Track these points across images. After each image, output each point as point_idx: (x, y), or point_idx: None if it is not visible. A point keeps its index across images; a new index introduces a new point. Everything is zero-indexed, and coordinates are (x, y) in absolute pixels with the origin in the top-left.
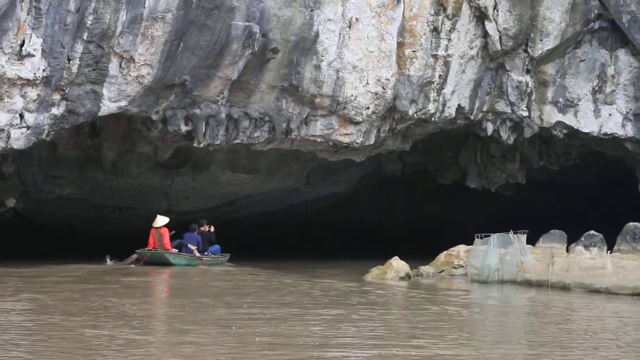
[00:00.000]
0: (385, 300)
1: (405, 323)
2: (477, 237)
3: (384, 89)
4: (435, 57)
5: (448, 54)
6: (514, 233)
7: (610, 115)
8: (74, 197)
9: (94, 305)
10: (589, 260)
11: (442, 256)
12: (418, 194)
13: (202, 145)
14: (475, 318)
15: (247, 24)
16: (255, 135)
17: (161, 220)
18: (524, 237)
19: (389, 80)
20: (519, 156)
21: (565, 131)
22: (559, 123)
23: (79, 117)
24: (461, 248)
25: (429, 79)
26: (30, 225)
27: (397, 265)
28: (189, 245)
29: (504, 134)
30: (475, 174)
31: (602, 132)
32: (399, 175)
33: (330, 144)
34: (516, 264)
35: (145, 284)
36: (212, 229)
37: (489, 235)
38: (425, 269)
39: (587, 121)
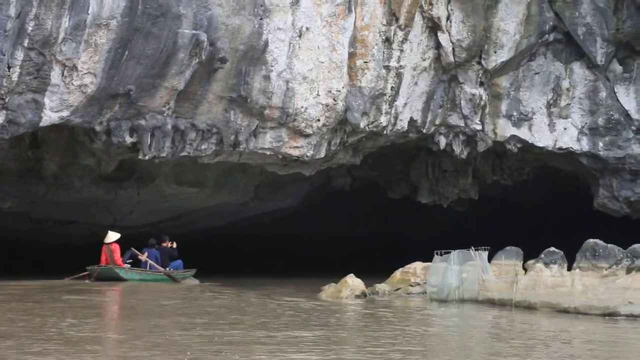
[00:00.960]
0: (342, 320)
1: (367, 344)
2: (437, 253)
3: (335, 100)
4: (387, 68)
5: (400, 65)
6: (474, 250)
7: (565, 129)
8: (14, 211)
9: (31, 326)
10: (555, 279)
11: (397, 273)
12: (367, 209)
13: (147, 157)
14: (437, 339)
15: (194, 32)
16: (203, 147)
17: (112, 236)
18: (485, 254)
19: (340, 91)
20: (472, 171)
21: (519, 145)
22: (513, 137)
23: (19, 127)
24: (417, 265)
25: (380, 91)
26: None
27: (353, 283)
28: (147, 260)
29: (457, 148)
30: (426, 189)
31: (557, 146)
32: (348, 189)
33: (280, 157)
34: (477, 282)
35: (92, 302)
36: (174, 245)
37: (449, 252)
38: (380, 286)
39: (541, 135)
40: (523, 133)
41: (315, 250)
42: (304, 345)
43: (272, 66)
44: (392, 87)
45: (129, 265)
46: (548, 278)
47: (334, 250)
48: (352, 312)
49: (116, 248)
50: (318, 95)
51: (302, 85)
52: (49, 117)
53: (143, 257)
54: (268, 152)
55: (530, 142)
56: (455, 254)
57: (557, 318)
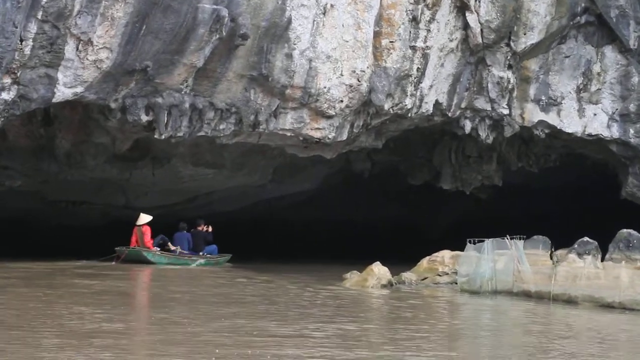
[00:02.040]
0: (374, 313)
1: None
2: (469, 242)
3: (359, 81)
4: (413, 48)
5: (427, 46)
6: (510, 238)
7: (595, 115)
8: (25, 190)
9: (39, 314)
10: (598, 271)
11: (424, 262)
12: (387, 194)
13: (163, 136)
14: (474, 334)
15: (215, 7)
16: (221, 127)
17: (144, 218)
18: (521, 243)
19: (364, 72)
20: (497, 157)
21: (547, 131)
22: (541, 122)
23: (31, 103)
24: (446, 254)
25: (406, 72)
26: None
27: (379, 271)
28: (170, 245)
29: (483, 133)
30: (449, 175)
31: (586, 132)
32: (368, 174)
33: (301, 138)
34: (512, 272)
35: (109, 288)
36: (210, 228)
37: (482, 240)
38: (407, 275)
39: (570, 121)
40: (551, 118)
41: (333, 234)
42: (352, 341)
43: (294, 44)
44: (417, 68)
45: (158, 249)
46: (590, 270)
47: (352, 236)
48: (382, 303)
49: (147, 230)
50: (342, 75)
51: (325, 65)
52: (63, 92)
53: (174, 249)
54: (288, 134)
55: (558, 127)
56: (489, 243)
57: (604, 314)
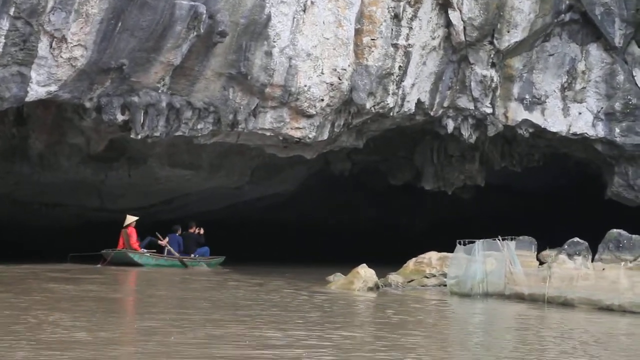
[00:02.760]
0: (361, 317)
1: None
2: (459, 243)
3: (340, 79)
4: (395, 46)
5: (409, 44)
6: (501, 239)
7: (580, 114)
8: None
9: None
10: (597, 273)
11: (410, 264)
12: (366, 195)
13: (139, 136)
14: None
15: (192, 3)
16: (199, 127)
17: (129, 220)
18: (512, 244)
19: (345, 70)
20: (479, 156)
21: (531, 130)
22: (525, 121)
23: (3, 102)
24: (433, 255)
25: (388, 70)
26: None
27: (365, 274)
28: (167, 246)
29: (465, 132)
30: (431, 175)
31: (570, 132)
32: (347, 174)
33: (280, 138)
34: (504, 274)
35: (87, 293)
36: (202, 231)
37: (472, 241)
38: (393, 278)
39: (555, 120)
40: (535, 117)
41: (311, 236)
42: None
43: (274, 42)
44: (399, 66)
45: (146, 250)
46: (588, 272)
47: (331, 237)
48: (370, 307)
49: (132, 232)
50: (322, 73)
51: (305, 63)
52: (36, 91)
53: (163, 242)
54: (268, 133)
55: (542, 127)
56: (479, 244)
57: (604, 316)
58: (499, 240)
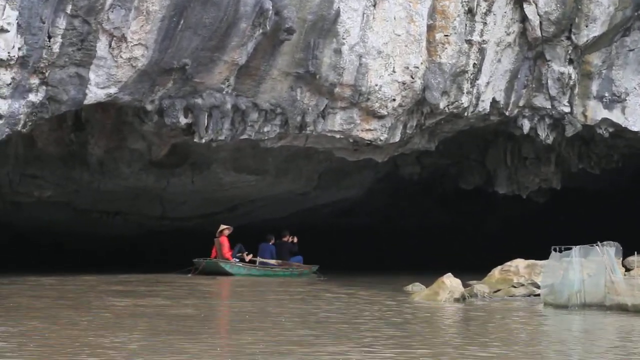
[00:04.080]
0: (456, 332)
1: None
2: (554, 250)
3: (413, 77)
4: (469, 42)
5: (483, 40)
6: (600, 245)
7: None
8: (56, 200)
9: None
10: None
11: (496, 272)
12: (433, 199)
13: (203, 140)
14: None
15: None
16: (265, 129)
17: (222, 229)
18: (612, 251)
19: (418, 68)
20: (555, 158)
21: (611, 130)
22: (604, 120)
23: (61, 105)
24: (520, 263)
25: (462, 68)
26: (5, 232)
27: (451, 284)
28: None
29: (542, 133)
30: (504, 178)
31: None
32: (416, 179)
33: (351, 140)
34: (604, 283)
35: (152, 308)
36: (295, 239)
37: (569, 248)
38: (479, 288)
39: (636, 119)
40: (615, 116)
41: (379, 242)
42: None
43: (343, 39)
44: (474, 63)
45: (237, 260)
46: None
47: (400, 243)
48: (462, 321)
49: (225, 241)
50: (394, 72)
51: (376, 61)
52: (95, 93)
53: (248, 258)
54: (337, 136)
55: (623, 126)
56: (576, 250)
57: None
58: (598, 246)
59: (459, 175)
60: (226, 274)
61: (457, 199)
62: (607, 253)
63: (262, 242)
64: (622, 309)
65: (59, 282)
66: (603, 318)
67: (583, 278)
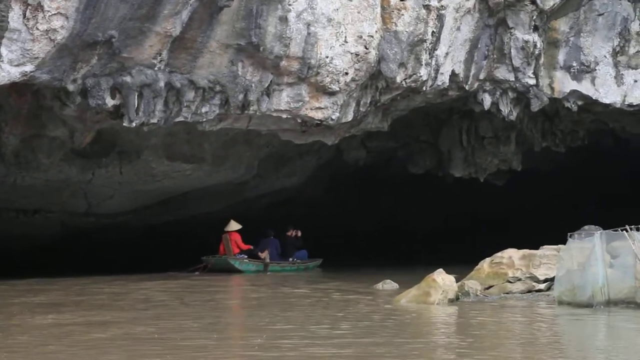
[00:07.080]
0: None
1: None
2: (570, 236)
3: (367, 48)
4: (427, 8)
5: (442, 5)
6: (629, 229)
7: (635, 82)
8: None
9: None
10: None
11: (485, 266)
12: (383, 186)
13: (134, 124)
14: None
15: None
16: (203, 110)
17: (233, 226)
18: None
19: (372, 37)
20: (515, 137)
21: (580, 103)
22: (573, 93)
23: None
24: (513, 253)
25: (420, 37)
26: None
27: (444, 282)
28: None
29: (505, 108)
30: (460, 160)
31: (626, 102)
32: (362, 164)
33: (299, 120)
34: (634, 275)
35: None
36: (299, 233)
37: (590, 234)
38: (470, 284)
39: (607, 90)
40: (585, 87)
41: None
42: None
43: (289, 5)
44: (432, 31)
45: (245, 256)
46: None
47: (357, 237)
48: (465, 329)
49: (237, 237)
50: (346, 42)
51: (326, 30)
52: (8, 72)
53: (263, 254)
54: (284, 115)
55: (594, 98)
56: (598, 237)
57: None
58: (626, 230)
59: (408, 159)
60: (234, 271)
61: (406, 184)
62: (637, 240)
63: (262, 237)
64: None
65: None
66: (637, 318)
67: (607, 271)
